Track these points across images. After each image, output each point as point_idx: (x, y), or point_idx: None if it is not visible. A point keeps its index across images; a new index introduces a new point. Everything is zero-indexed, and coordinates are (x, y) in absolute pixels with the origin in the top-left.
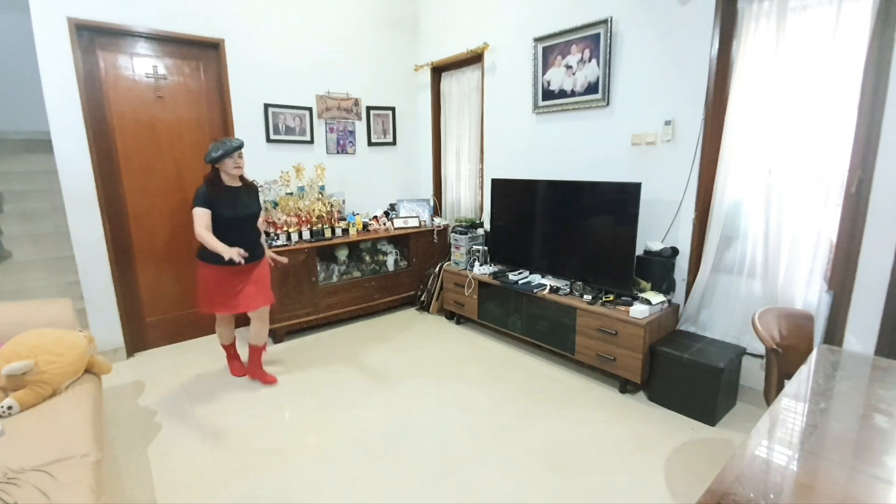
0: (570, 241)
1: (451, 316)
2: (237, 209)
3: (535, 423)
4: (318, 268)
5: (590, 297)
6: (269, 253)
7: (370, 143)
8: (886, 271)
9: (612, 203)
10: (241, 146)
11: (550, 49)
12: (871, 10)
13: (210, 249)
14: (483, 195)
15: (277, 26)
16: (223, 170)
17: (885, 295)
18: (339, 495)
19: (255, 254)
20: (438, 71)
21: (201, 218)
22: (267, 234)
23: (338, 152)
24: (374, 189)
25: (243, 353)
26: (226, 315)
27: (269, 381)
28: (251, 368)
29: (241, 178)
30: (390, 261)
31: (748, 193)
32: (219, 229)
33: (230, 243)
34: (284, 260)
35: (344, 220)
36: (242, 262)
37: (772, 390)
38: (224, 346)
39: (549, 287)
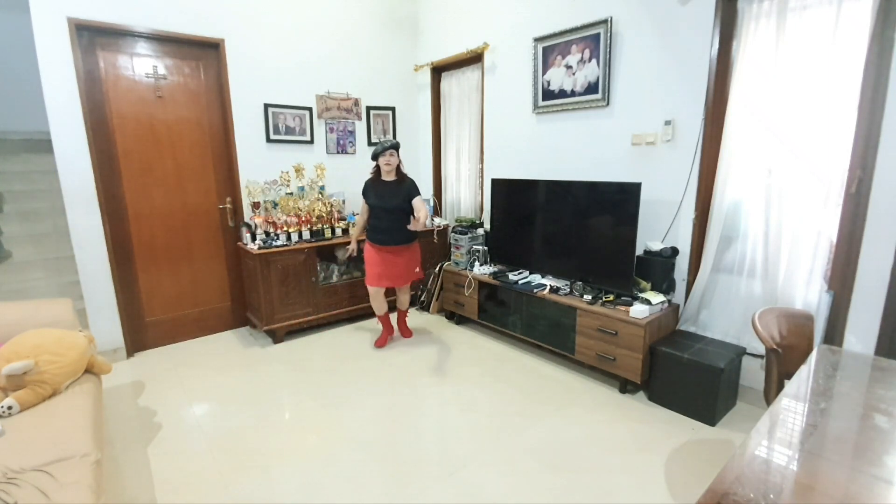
0: (570, 241)
1: (451, 316)
2: (382, 200)
3: (535, 423)
4: (318, 268)
5: (590, 297)
6: (413, 223)
7: (370, 143)
8: (886, 271)
9: (612, 203)
10: (391, 146)
11: (550, 49)
12: (871, 10)
13: (366, 230)
14: (483, 195)
15: (277, 26)
16: (380, 166)
17: (885, 295)
18: (339, 495)
19: (394, 239)
20: (438, 71)
21: (361, 205)
22: (267, 234)
23: (338, 152)
24: None
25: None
26: (376, 288)
27: (407, 335)
28: (399, 323)
29: (398, 173)
30: None
31: (748, 193)
32: (370, 215)
33: (375, 227)
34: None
35: (344, 220)
36: (352, 254)
37: (772, 390)
38: (379, 317)
39: (549, 287)
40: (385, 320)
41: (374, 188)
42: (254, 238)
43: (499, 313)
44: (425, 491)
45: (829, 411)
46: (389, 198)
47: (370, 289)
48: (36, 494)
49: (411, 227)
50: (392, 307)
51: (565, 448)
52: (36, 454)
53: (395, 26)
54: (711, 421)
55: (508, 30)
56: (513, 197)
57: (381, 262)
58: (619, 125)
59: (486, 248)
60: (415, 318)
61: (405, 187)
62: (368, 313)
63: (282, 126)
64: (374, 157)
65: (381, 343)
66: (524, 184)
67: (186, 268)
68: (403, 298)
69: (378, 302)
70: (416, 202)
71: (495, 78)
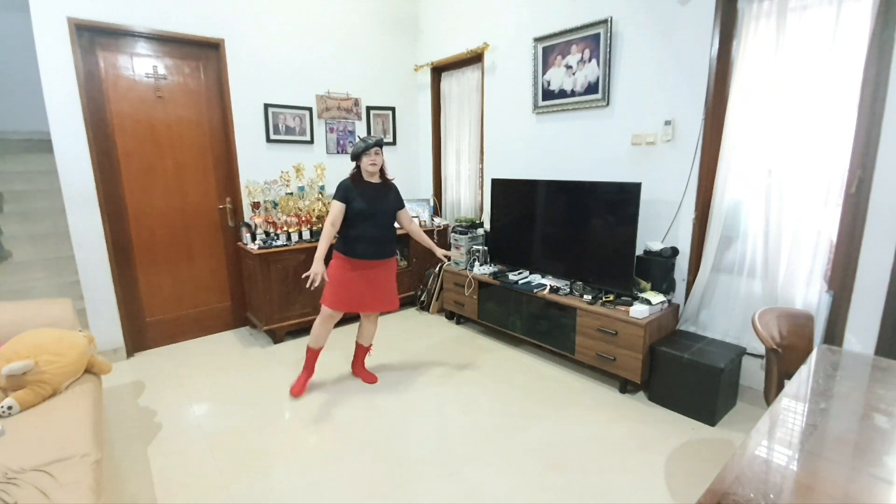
0: (570, 241)
1: (451, 316)
2: (371, 205)
3: (536, 423)
4: None
5: (590, 297)
6: (438, 251)
7: None
8: (886, 271)
9: (612, 203)
10: (376, 144)
11: (550, 49)
12: (871, 10)
13: (342, 241)
14: (483, 195)
15: (277, 26)
16: (362, 166)
17: (885, 295)
18: (339, 495)
19: (383, 251)
20: (438, 71)
21: (332, 211)
22: (267, 234)
23: (338, 152)
24: None
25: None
26: (336, 315)
27: (370, 380)
28: (355, 366)
29: (382, 175)
30: None
31: (748, 193)
32: (352, 223)
33: (359, 238)
34: (448, 254)
35: None
36: (311, 286)
37: (772, 390)
38: (311, 350)
39: (549, 287)
40: (316, 357)
41: (358, 191)
42: (254, 238)
43: (499, 313)
44: (425, 491)
45: (829, 411)
46: (380, 202)
47: (325, 311)
48: (36, 494)
49: (441, 254)
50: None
51: (565, 448)
52: (36, 454)
53: (395, 26)
54: (711, 421)
55: (508, 30)
56: (513, 197)
57: (355, 280)
58: (619, 125)
59: (486, 248)
60: (415, 318)
61: (393, 193)
62: None
63: (282, 126)
64: (356, 156)
65: (298, 390)
66: (524, 184)
67: (186, 268)
68: (370, 330)
69: (327, 329)
70: (405, 217)
71: (495, 78)
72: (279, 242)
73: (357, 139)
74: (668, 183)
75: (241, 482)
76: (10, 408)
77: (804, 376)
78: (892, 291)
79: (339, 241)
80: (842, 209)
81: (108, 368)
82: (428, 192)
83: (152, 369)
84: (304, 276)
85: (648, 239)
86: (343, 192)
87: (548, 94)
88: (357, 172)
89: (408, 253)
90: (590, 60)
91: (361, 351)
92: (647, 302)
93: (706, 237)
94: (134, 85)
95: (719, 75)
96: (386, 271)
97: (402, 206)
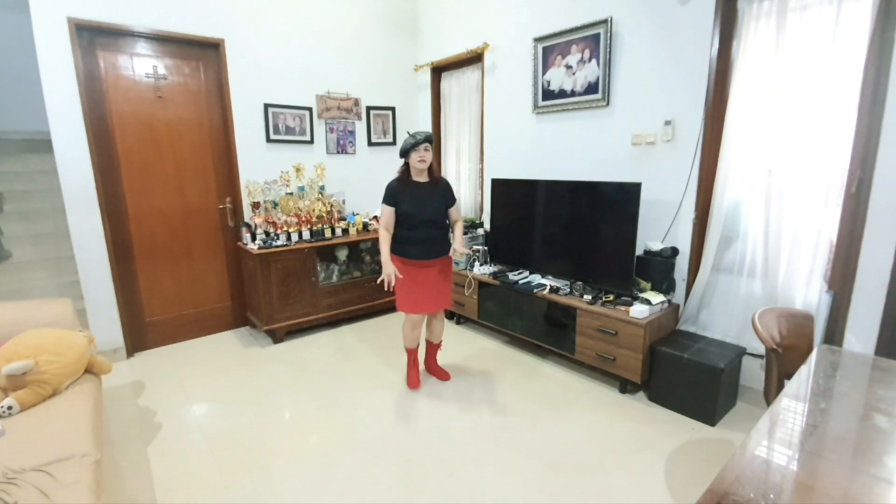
0: (570, 241)
1: (451, 316)
2: (417, 207)
3: (536, 423)
4: (318, 268)
5: (590, 297)
6: (457, 245)
7: (370, 143)
8: (886, 271)
9: (612, 203)
10: (425, 139)
11: (550, 49)
12: (871, 10)
13: (394, 242)
14: (483, 195)
15: (277, 26)
16: (410, 163)
17: (885, 295)
18: (339, 495)
19: (433, 251)
20: (438, 71)
21: (383, 216)
22: (267, 234)
23: (338, 152)
24: (374, 189)
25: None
26: (420, 317)
27: (444, 377)
28: (428, 363)
29: (430, 173)
30: None
31: (748, 193)
32: (401, 225)
33: (407, 239)
34: (466, 250)
35: (344, 220)
36: (388, 289)
37: (772, 390)
38: (409, 350)
39: (549, 287)
40: (416, 353)
41: (406, 192)
42: (254, 238)
43: (499, 313)
44: (425, 491)
45: (829, 411)
46: (426, 203)
47: (413, 318)
48: (36, 494)
49: (453, 254)
50: None
51: (565, 448)
52: (36, 454)
53: (395, 26)
54: (711, 421)
55: (508, 30)
56: (513, 197)
57: (419, 282)
58: (619, 125)
59: (486, 247)
60: None
61: (441, 190)
62: (368, 313)
63: (282, 126)
64: (405, 152)
65: (416, 383)
66: (524, 184)
67: (186, 268)
68: (438, 328)
69: (416, 331)
70: (454, 213)
71: (495, 78)
72: (279, 242)
73: (406, 134)
74: (668, 183)
75: (241, 482)
76: (10, 408)
77: (804, 376)
78: (892, 291)
79: (393, 243)
80: (842, 209)
81: (108, 368)
82: None
83: (152, 369)
84: (378, 280)
85: (648, 239)
86: (390, 196)
87: (548, 94)
88: (406, 170)
89: None
90: (590, 60)
91: (432, 348)
92: (647, 302)
93: (706, 237)
94: (134, 85)
95: (719, 75)
96: (437, 271)
97: (452, 202)
